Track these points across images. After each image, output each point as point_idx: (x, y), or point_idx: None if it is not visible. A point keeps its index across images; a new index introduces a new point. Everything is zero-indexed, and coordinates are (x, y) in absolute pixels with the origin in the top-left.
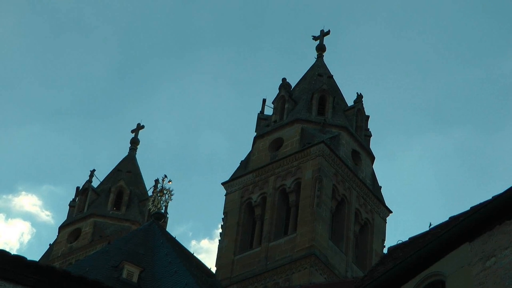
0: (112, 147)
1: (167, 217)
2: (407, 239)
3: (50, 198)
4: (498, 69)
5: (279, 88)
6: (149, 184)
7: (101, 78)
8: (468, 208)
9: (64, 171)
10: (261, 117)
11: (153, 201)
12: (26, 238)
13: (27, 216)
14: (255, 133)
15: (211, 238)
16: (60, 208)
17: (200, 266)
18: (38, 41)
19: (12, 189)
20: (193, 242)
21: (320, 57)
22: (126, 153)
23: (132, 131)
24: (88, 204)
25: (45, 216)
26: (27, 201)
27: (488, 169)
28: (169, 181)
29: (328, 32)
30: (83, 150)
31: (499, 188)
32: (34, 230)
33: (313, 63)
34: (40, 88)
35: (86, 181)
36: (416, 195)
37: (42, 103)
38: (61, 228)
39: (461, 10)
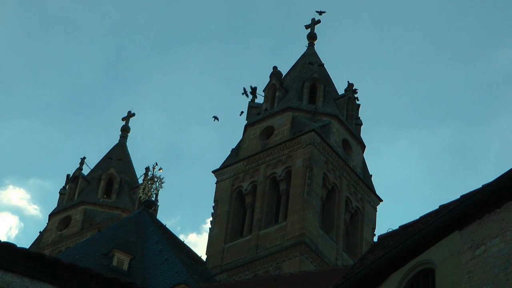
0: (103, 135)
1: (158, 205)
2: (397, 227)
3: (38, 191)
4: (485, 66)
5: (270, 77)
6: (139, 172)
7: (91, 69)
8: (458, 196)
9: (53, 163)
10: (252, 105)
11: (144, 189)
12: (14, 232)
13: (15, 210)
14: (246, 121)
15: (199, 232)
16: (48, 201)
17: (190, 254)
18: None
19: None
20: (181, 236)
21: (311, 45)
22: (117, 141)
23: (123, 119)
24: (78, 191)
25: (33, 209)
26: (15, 195)
27: (477, 159)
28: (159, 169)
29: (319, 21)
30: (73, 138)
31: (489, 177)
32: (22, 224)
33: (304, 51)
34: (30, 81)
35: (77, 169)
36: (407, 184)
37: (32, 95)
38: (51, 216)
39: (450, 7)
